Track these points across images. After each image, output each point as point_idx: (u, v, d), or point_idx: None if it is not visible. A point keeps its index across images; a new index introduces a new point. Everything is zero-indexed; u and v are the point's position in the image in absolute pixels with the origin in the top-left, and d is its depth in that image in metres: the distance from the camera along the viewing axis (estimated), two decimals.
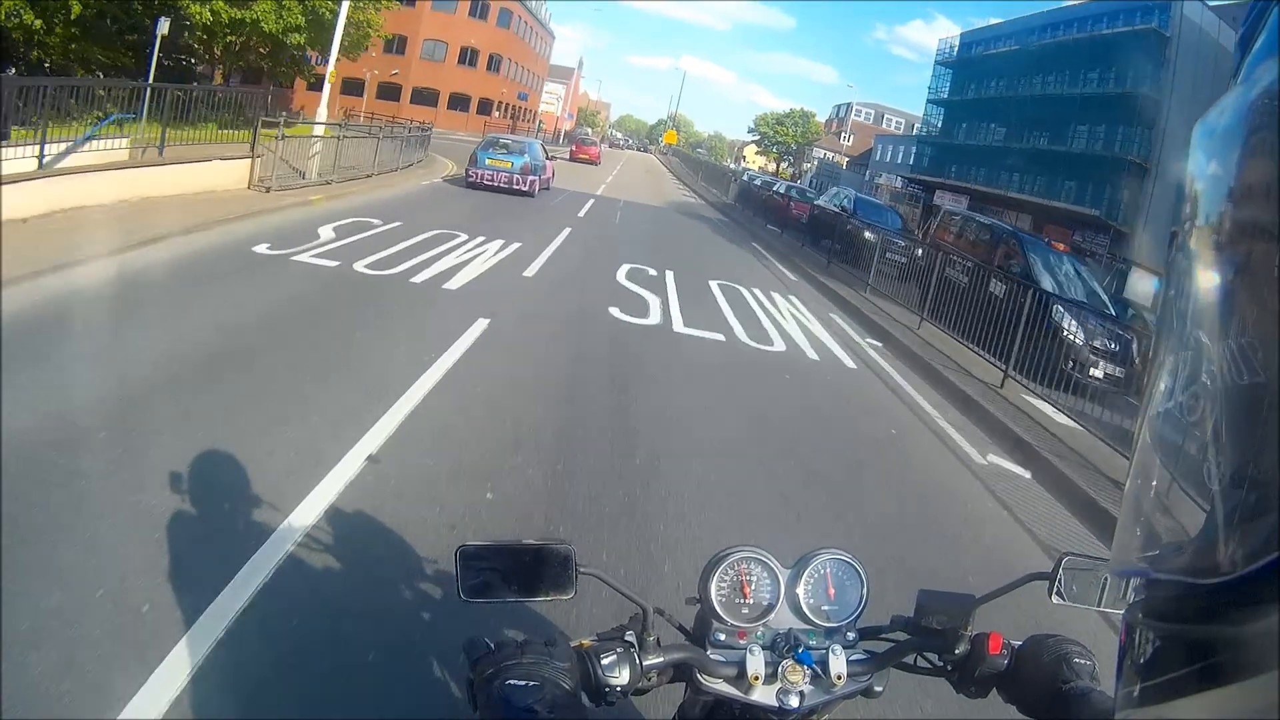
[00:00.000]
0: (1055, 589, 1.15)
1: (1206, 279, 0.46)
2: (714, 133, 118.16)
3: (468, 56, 56.41)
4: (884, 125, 75.92)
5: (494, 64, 59.46)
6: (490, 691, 0.95)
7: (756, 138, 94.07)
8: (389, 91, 51.38)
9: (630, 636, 1.10)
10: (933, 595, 1.20)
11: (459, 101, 56.38)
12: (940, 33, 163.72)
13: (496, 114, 60.71)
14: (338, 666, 2.66)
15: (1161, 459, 0.51)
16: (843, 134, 76.81)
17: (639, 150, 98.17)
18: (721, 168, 39.38)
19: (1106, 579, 1.18)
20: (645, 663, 1.08)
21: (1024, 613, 2.83)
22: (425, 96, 53.23)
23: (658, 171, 50.04)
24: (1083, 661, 1.12)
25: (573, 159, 39.72)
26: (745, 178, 33.39)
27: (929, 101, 51.02)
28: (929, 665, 1.22)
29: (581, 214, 17.62)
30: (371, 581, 3.12)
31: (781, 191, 25.54)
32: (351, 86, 48.49)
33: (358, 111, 45.33)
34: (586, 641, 1.09)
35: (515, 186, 19.01)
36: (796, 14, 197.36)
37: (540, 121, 73.04)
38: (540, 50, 73.53)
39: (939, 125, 50.49)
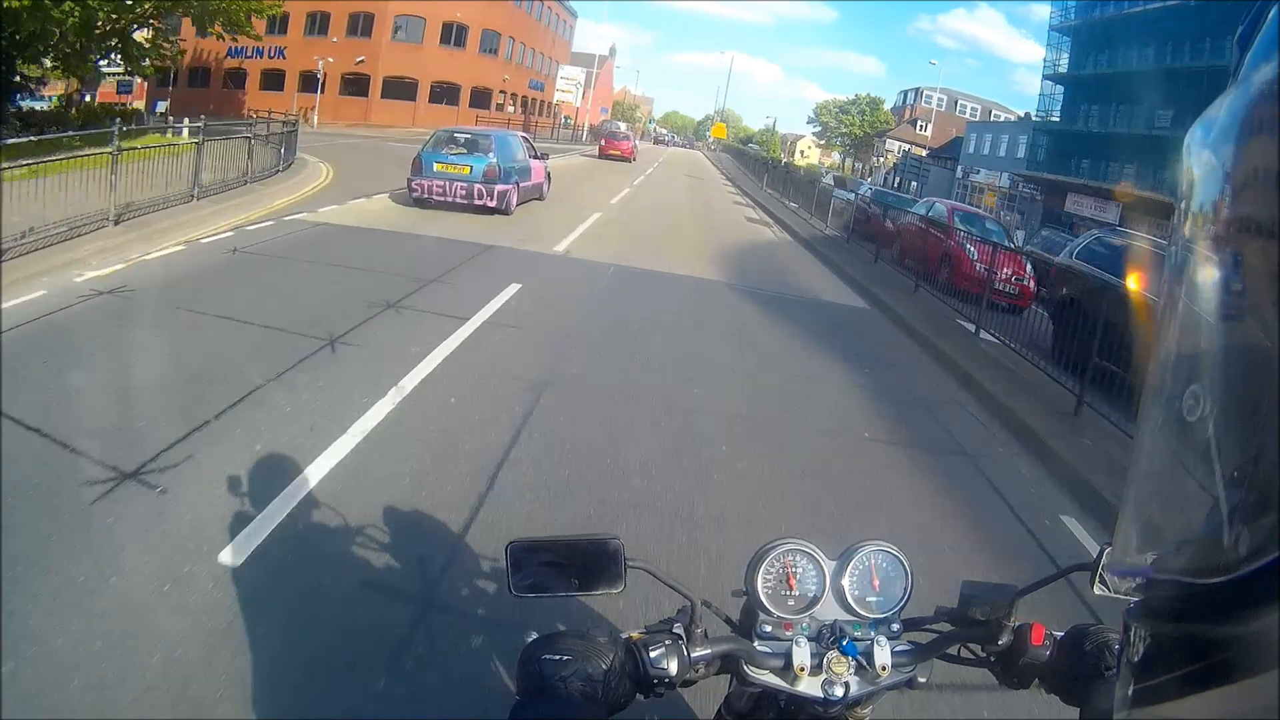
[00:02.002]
0: (1098, 579, 1.08)
1: (1206, 278, 0.48)
2: (766, 126, 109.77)
3: (453, 35, 46.07)
4: (960, 113, 65.84)
5: (489, 44, 48.87)
6: (529, 666, 1.02)
7: (817, 129, 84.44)
8: (355, 85, 43.54)
9: (678, 629, 1.12)
10: (975, 586, 1.21)
11: (445, 93, 46.20)
12: (982, 22, 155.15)
13: (508, 107, 51.85)
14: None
15: (1161, 459, 0.52)
16: (919, 122, 67.00)
17: (685, 147, 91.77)
18: (809, 175, 29.18)
19: None
20: (693, 654, 1.11)
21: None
22: (401, 88, 44.48)
23: (704, 173, 39.85)
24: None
25: (602, 155, 36.55)
26: (865, 193, 23.86)
27: (1045, 78, 41.25)
28: (972, 656, 1.24)
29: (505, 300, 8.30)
30: None
31: (951, 223, 13.53)
32: (307, 81, 40.65)
33: (308, 113, 37.55)
34: (636, 634, 1.11)
35: (478, 200, 14.23)
36: (838, 7, 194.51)
37: (566, 117, 63.71)
38: (560, 32, 63.92)
39: (1058, 107, 40.61)
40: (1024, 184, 41.27)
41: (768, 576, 1.20)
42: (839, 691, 1.12)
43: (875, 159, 69.83)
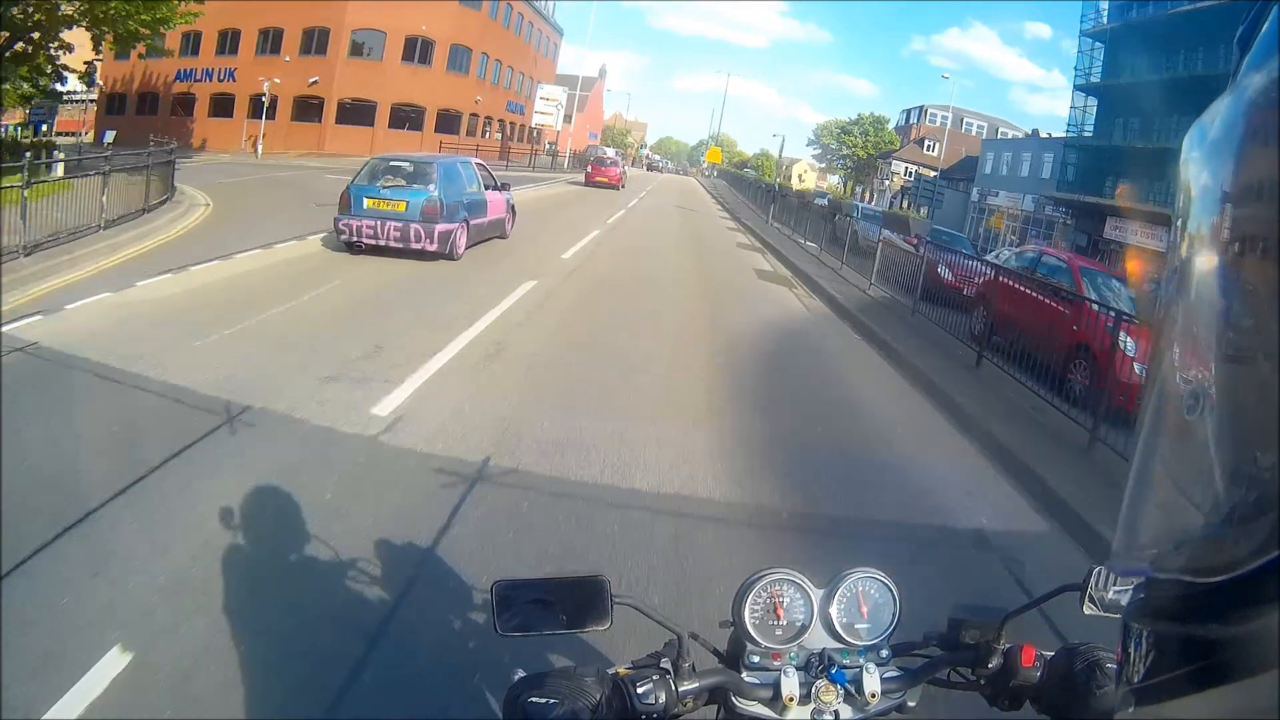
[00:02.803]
0: (1087, 599, 1.12)
1: (1205, 279, 0.48)
2: (761, 150, 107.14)
3: (416, 50, 41.22)
4: (966, 131, 62.62)
5: (459, 61, 43.87)
6: (514, 710, 1.02)
7: (817, 150, 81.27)
8: (309, 110, 39.69)
9: (665, 663, 1.14)
10: (965, 609, 1.23)
11: (407, 116, 41.22)
12: (976, 39, 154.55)
13: (488, 132, 47.88)
14: None
15: (1161, 458, 0.53)
16: (927, 141, 63.76)
17: (678, 173, 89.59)
18: (834, 203, 23.57)
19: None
20: (681, 688, 1.11)
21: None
22: (358, 112, 39.98)
23: (698, 203, 36.07)
24: (1115, 667, 1.10)
25: (589, 183, 35.00)
26: (861, 215, 20.07)
27: (1076, 88, 37.75)
28: (962, 680, 1.24)
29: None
30: None
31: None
32: (259, 106, 37.12)
33: (255, 141, 34.07)
34: (623, 670, 1.12)
35: (415, 243, 12.22)
36: (832, 29, 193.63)
37: (550, 143, 59.20)
38: (544, 51, 59.21)
39: (1089, 121, 37.16)
40: (1052, 206, 37.67)
41: (755, 607, 1.21)
42: None
43: (880, 181, 66.43)
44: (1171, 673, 0.46)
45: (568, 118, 58.87)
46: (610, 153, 45.76)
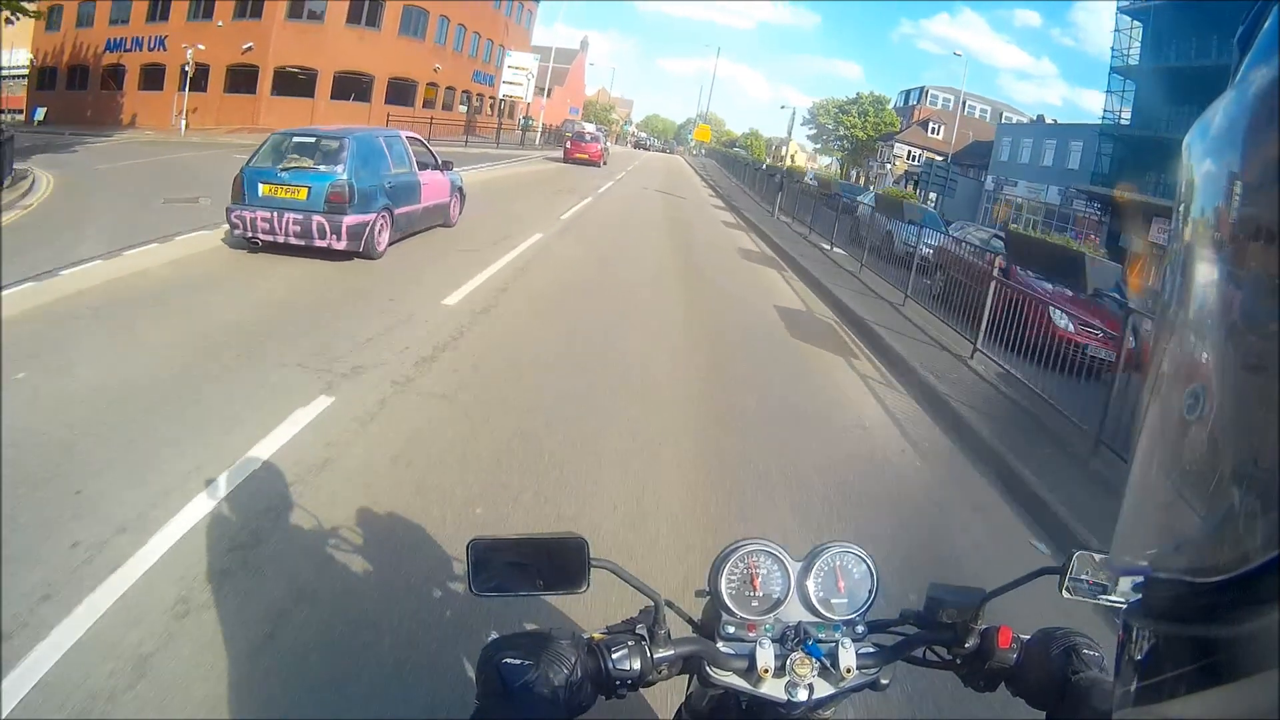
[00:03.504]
0: (1066, 583, 1.15)
1: (1205, 279, 0.49)
2: (750, 129, 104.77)
3: (364, 12, 35.76)
4: (970, 114, 59.09)
5: (414, 24, 38.24)
6: (488, 670, 1.01)
7: (812, 130, 77.31)
8: (242, 80, 34.92)
9: (641, 629, 1.13)
10: (943, 589, 1.24)
11: (353, 85, 35.77)
12: (965, 27, 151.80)
13: (444, 104, 42.61)
14: None
15: (1161, 458, 0.53)
16: (930, 124, 60.24)
17: (665, 151, 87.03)
18: (893, 199, 17.89)
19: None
20: (656, 655, 1.11)
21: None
22: (297, 82, 34.60)
23: (685, 188, 31.68)
24: (1091, 653, 1.14)
25: (568, 159, 33.54)
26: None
27: (1112, 70, 34.20)
28: (938, 659, 1.26)
29: None
30: None
31: None
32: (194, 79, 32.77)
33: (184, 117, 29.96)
34: (598, 634, 1.12)
35: (319, 240, 9.53)
36: (821, 11, 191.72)
37: (526, 118, 51.63)
38: (517, 19, 52.32)
39: (1127, 107, 33.71)
40: (1084, 201, 34.16)
41: (731, 577, 1.21)
42: (802, 694, 1.12)
43: (881, 165, 62.66)
44: (1170, 672, 0.46)
45: (543, 90, 54.36)
46: (590, 128, 44.13)
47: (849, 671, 1.12)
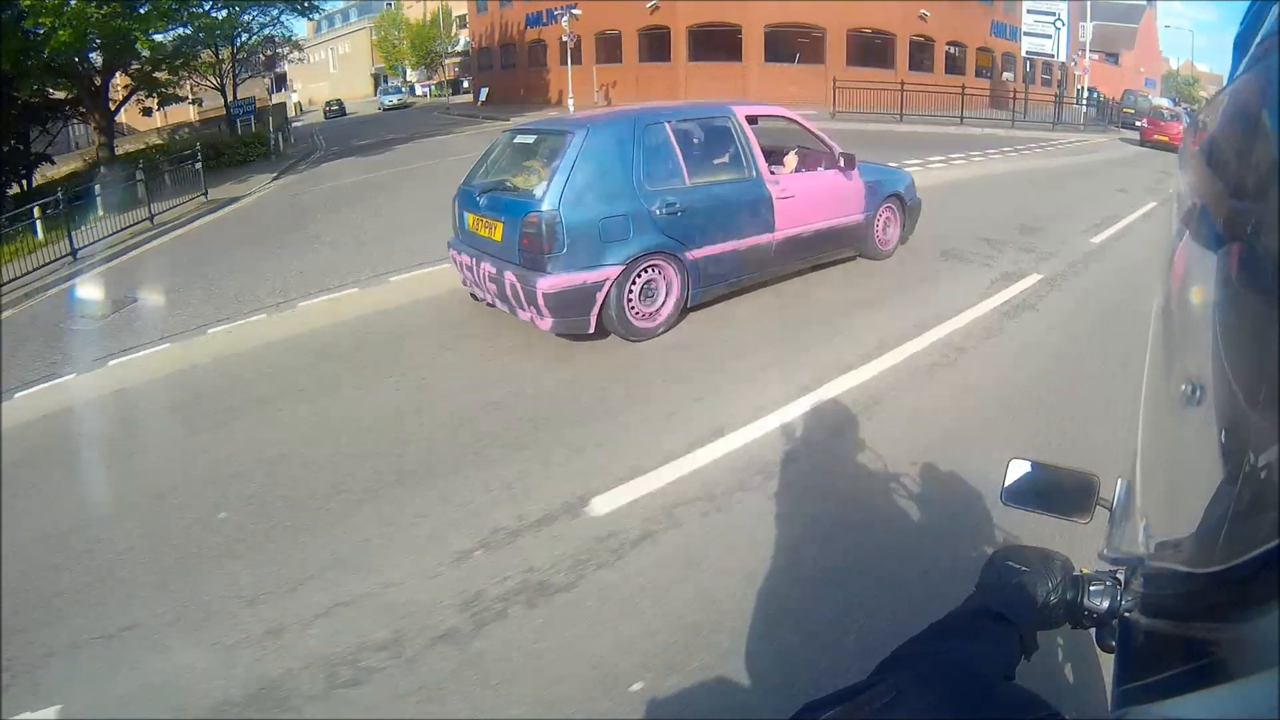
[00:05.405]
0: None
1: (1201, 272, 0.49)
2: None
3: None
4: None
5: None
6: (991, 566, 1.14)
7: None
8: (657, 46, 30.49)
9: (1121, 575, 1.15)
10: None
11: (791, 43, 28.09)
12: None
13: (946, 66, 31.96)
14: None
15: (1161, 451, 0.52)
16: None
17: None
18: None
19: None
20: (1124, 603, 1.10)
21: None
22: (715, 45, 28.70)
23: None
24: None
25: (1144, 140, 26.24)
26: None
27: None
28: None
29: None
30: None
31: None
32: (609, 47, 29.53)
33: (608, 91, 27.03)
34: (1085, 569, 1.16)
35: (520, 311, 5.84)
36: None
37: (1089, 89, 34.71)
38: None
39: None
40: None
41: None
42: None
43: None
44: (1169, 671, 0.46)
45: (1109, 55, 42.52)
46: (1166, 103, 33.49)
47: None
